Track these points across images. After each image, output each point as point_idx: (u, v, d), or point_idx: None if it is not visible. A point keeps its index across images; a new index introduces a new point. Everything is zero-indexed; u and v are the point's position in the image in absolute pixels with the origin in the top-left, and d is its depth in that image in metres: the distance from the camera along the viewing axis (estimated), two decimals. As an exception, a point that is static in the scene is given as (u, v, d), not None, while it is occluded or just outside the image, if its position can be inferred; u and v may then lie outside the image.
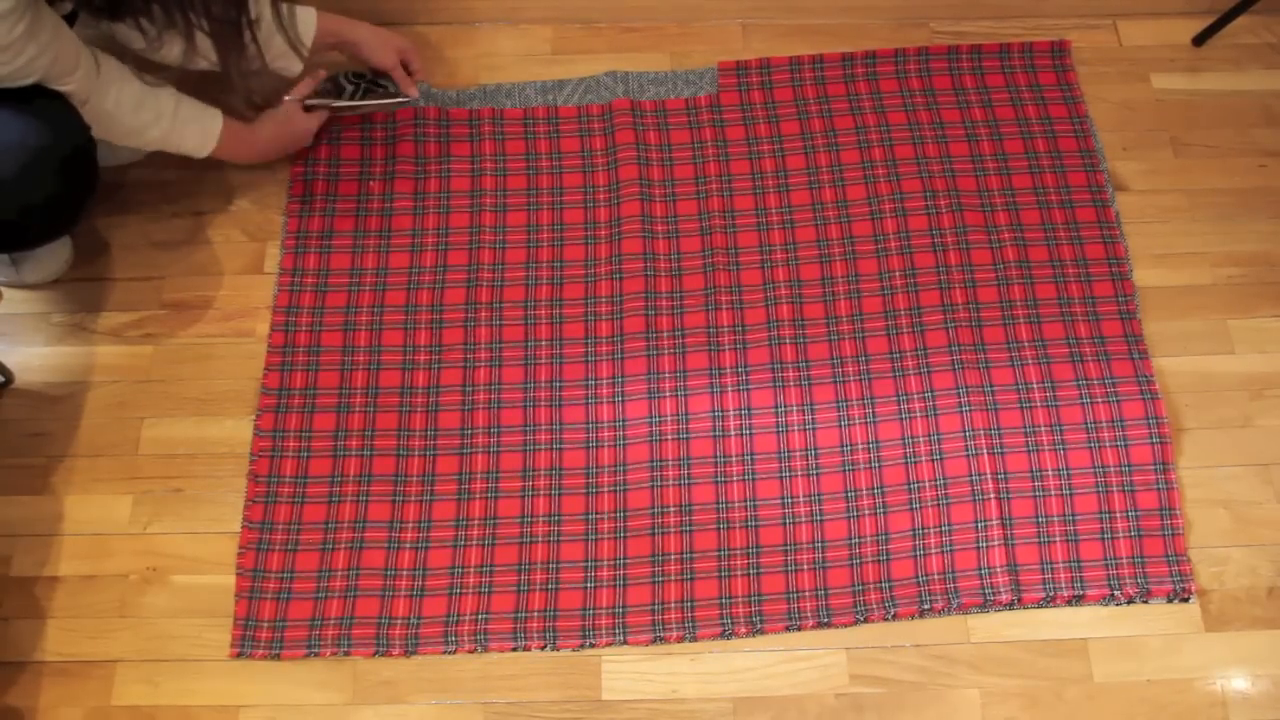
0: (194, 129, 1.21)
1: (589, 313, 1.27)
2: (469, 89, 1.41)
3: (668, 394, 1.22)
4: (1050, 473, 1.18)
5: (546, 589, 1.14)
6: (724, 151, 1.37)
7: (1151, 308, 1.28)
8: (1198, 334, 1.27)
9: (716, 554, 1.15)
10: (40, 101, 1.03)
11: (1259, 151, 1.38)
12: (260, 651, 1.11)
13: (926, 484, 1.18)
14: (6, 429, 1.23)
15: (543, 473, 1.19)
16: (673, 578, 1.14)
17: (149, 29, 1.03)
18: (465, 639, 1.12)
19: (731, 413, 1.22)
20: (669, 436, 1.20)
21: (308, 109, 1.31)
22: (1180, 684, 1.11)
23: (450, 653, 1.12)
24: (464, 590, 1.14)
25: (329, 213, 1.33)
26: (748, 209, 1.33)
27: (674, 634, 1.12)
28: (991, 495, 1.17)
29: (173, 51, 1.12)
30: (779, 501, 1.18)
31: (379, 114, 1.38)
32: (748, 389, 1.23)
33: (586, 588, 1.14)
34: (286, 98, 1.30)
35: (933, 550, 1.15)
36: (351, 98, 1.35)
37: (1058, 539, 1.16)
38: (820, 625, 1.13)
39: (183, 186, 1.35)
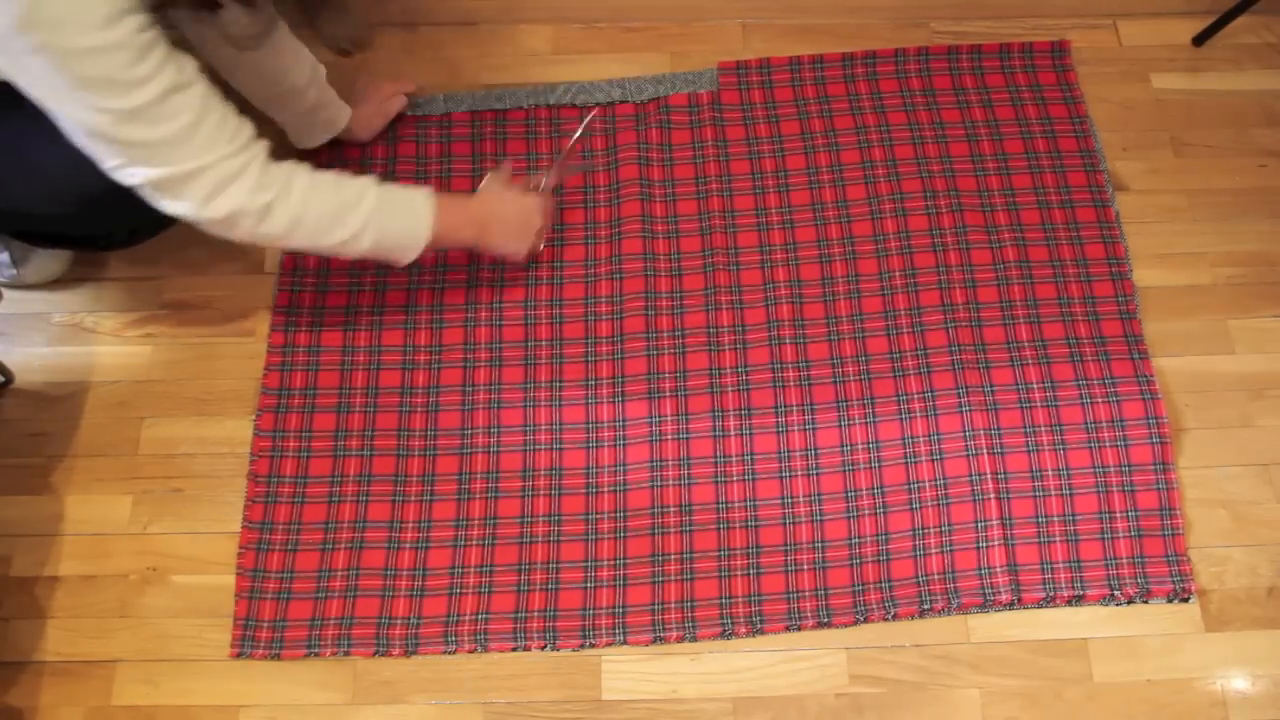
0: (401, 220, 1.08)
1: (589, 313, 1.27)
2: (468, 92, 1.42)
3: (668, 394, 1.22)
4: (1050, 473, 1.18)
5: (546, 589, 1.14)
6: (724, 151, 1.37)
7: (1151, 308, 1.28)
8: (1198, 334, 1.27)
9: (716, 554, 1.15)
10: None
11: (1259, 151, 1.38)
12: (260, 651, 1.11)
13: (926, 484, 1.18)
14: (6, 429, 1.23)
15: (543, 473, 1.19)
16: (673, 578, 1.14)
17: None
18: (465, 639, 1.12)
19: (731, 413, 1.22)
20: (669, 436, 1.20)
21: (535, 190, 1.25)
22: (1180, 684, 1.11)
23: (450, 653, 1.12)
24: (464, 590, 1.14)
25: (329, 213, 1.33)
26: (748, 209, 1.33)
27: (674, 634, 1.12)
28: (991, 495, 1.17)
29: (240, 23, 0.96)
30: (779, 501, 1.18)
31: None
32: (747, 389, 1.23)
33: (586, 588, 1.14)
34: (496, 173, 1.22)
35: (933, 550, 1.15)
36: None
37: (1058, 539, 1.16)
38: (820, 625, 1.13)
39: (183, 186, 1.35)
